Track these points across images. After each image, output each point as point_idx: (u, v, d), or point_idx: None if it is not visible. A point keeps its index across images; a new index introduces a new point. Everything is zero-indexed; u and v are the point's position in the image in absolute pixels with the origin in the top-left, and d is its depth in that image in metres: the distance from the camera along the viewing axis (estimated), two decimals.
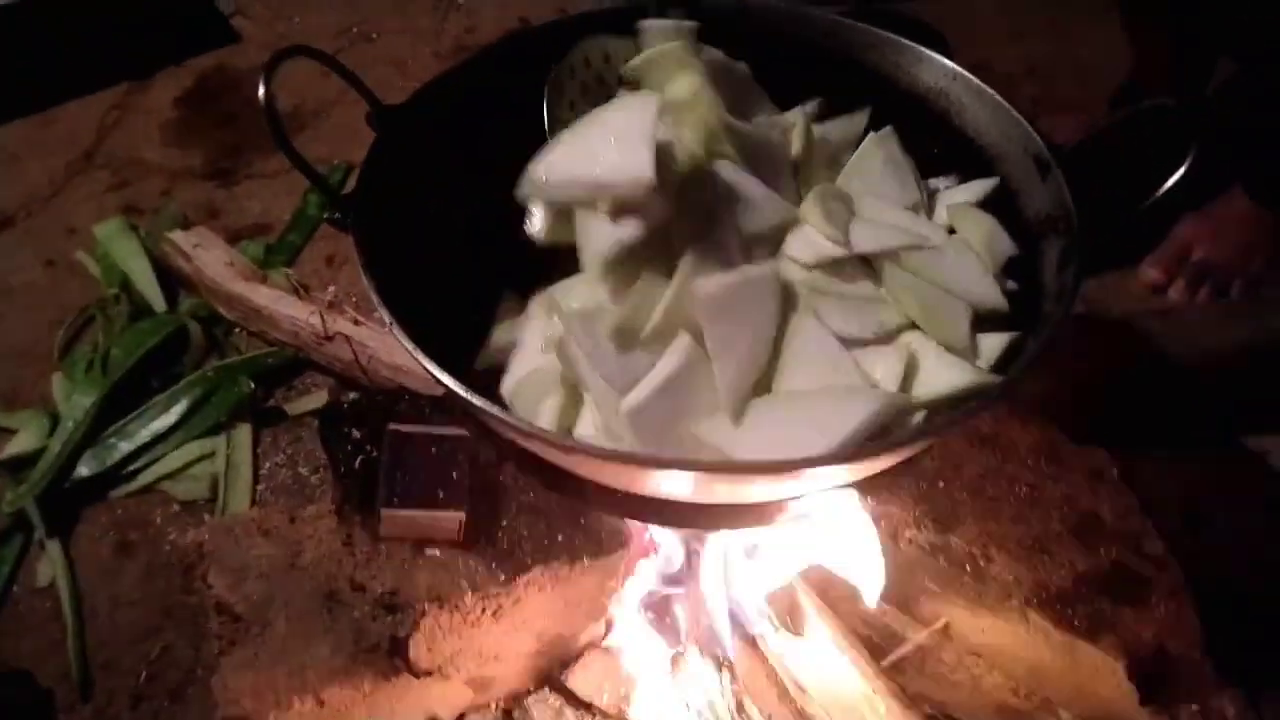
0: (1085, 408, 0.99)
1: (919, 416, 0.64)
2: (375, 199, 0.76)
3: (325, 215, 0.73)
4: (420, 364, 0.64)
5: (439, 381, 0.63)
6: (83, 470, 1.08)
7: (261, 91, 0.68)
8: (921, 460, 0.81)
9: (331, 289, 1.26)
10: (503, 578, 0.79)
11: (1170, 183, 0.70)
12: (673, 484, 0.66)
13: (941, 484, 0.87)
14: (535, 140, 0.85)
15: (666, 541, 0.85)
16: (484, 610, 0.78)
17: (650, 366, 0.66)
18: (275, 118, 0.68)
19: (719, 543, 0.84)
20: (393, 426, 0.82)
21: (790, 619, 0.88)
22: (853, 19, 0.90)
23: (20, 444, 1.10)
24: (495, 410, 0.62)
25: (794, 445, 0.62)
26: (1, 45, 1.48)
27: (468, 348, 0.77)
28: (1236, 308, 1.27)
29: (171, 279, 1.27)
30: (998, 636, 0.84)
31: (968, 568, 0.82)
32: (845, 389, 0.63)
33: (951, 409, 0.65)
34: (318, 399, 1.15)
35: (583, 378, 0.67)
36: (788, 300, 0.70)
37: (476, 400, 0.62)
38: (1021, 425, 0.90)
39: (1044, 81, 1.60)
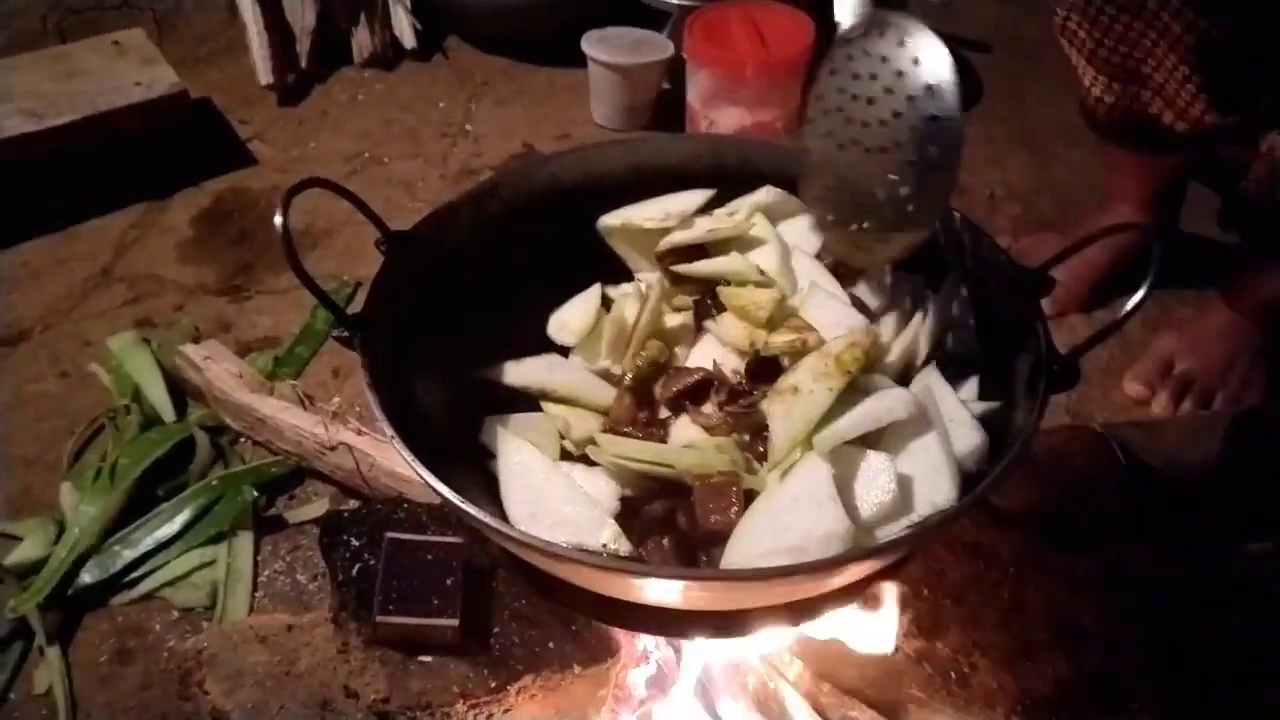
0: (1067, 516, 1.01)
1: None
2: (381, 318, 0.80)
3: (334, 333, 0.77)
4: (418, 474, 0.67)
5: (435, 491, 0.66)
6: (86, 578, 1.10)
7: (278, 220, 0.73)
8: (903, 569, 0.83)
9: (336, 400, 1.30)
10: (494, 685, 0.80)
11: (1139, 295, 0.73)
12: (659, 592, 0.68)
13: (925, 591, 0.88)
14: (533, 263, 0.91)
15: (657, 649, 0.87)
16: (475, 718, 0.79)
17: None
18: (290, 245, 0.73)
19: (708, 649, 0.85)
20: (390, 535, 0.84)
21: None
22: None
23: (26, 551, 1.12)
24: (488, 519, 0.65)
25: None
26: (28, 166, 1.55)
27: (466, 459, 0.80)
28: (1218, 419, 1.30)
29: (182, 390, 1.31)
30: None
31: (952, 675, 0.83)
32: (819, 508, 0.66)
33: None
34: (319, 507, 1.17)
35: None
36: None
37: (471, 509, 0.65)
38: (1003, 533, 0.93)
39: (1024, 202, 1.67)
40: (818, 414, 0.70)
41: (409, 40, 1.95)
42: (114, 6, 1.97)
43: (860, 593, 0.78)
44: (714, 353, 0.81)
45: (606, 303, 0.89)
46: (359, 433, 1.17)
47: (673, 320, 0.85)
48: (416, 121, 1.82)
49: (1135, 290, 0.72)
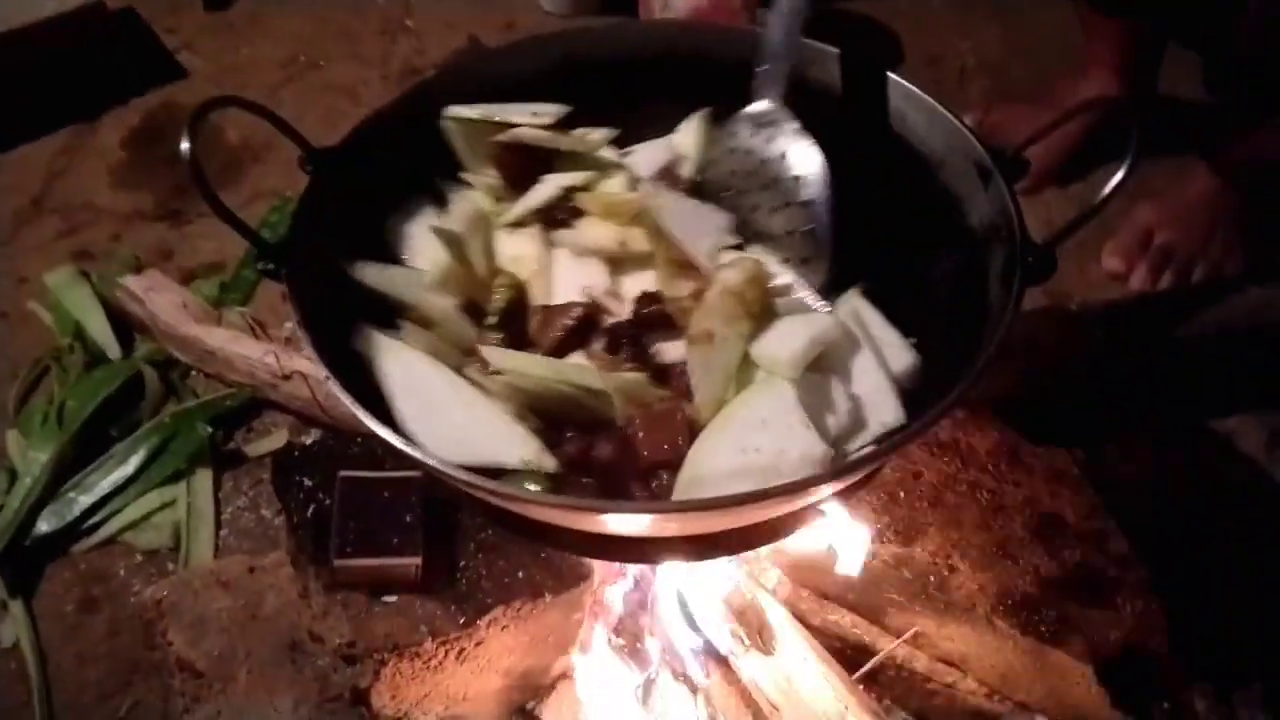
0: (1045, 404, 0.99)
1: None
2: (309, 246, 0.74)
3: (258, 266, 0.71)
4: (361, 419, 0.63)
5: (377, 437, 0.62)
6: (43, 526, 1.07)
7: (185, 146, 0.67)
8: (878, 474, 0.80)
9: (288, 325, 1.24)
10: (463, 620, 0.78)
11: (1118, 179, 0.69)
12: (623, 525, 0.65)
13: (902, 494, 0.86)
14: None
15: (631, 569, 0.85)
16: (446, 654, 0.78)
17: None
18: (200, 173, 0.66)
19: (682, 567, 0.83)
20: (343, 473, 0.81)
21: (760, 637, 0.87)
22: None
23: None
24: (441, 464, 0.61)
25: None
26: None
27: None
28: (1199, 291, 1.27)
29: (126, 324, 1.25)
30: (966, 644, 0.84)
31: (932, 579, 0.82)
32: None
33: None
34: (278, 439, 1.14)
35: None
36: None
37: (422, 455, 0.61)
38: (979, 429, 0.90)
39: (996, 72, 1.60)
40: (736, 360, 0.68)
41: None
42: None
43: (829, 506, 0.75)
44: (576, 275, 0.75)
45: None
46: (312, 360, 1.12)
47: (518, 246, 0.78)
48: (352, 19, 1.71)
49: (1112, 164, 0.68)
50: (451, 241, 0.76)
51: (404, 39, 1.67)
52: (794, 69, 0.87)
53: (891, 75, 0.85)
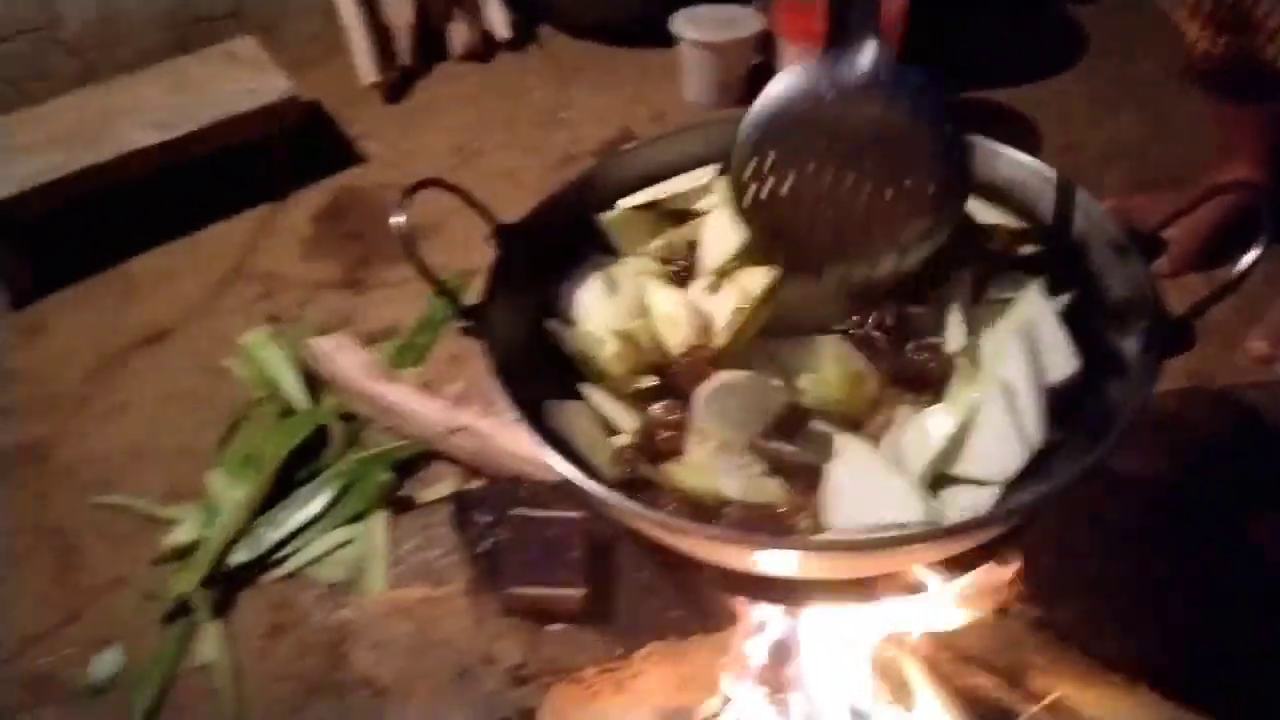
0: (1191, 480, 1.00)
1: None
2: (499, 307, 0.84)
3: (458, 325, 0.81)
4: (546, 458, 0.71)
5: (562, 473, 0.70)
6: (238, 557, 1.19)
7: (399, 219, 0.78)
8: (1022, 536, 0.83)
9: (460, 384, 1.35)
10: (620, 651, 0.85)
11: (1250, 259, 0.72)
12: (774, 562, 0.71)
13: (1045, 558, 0.89)
14: None
15: (777, 616, 0.89)
16: (605, 683, 0.84)
17: None
18: (412, 245, 0.77)
19: (827, 616, 0.87)
20: (515, 511, 0.89)
21: (900, 693, 0.90)
22: None
23: (182, 534, 1.21)
24: (613, 497, 0.68)
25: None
26: (159, 174, 1.64)
27: None
28: None
29: (313, 381, 1.39)
30: (1108, 710, 0.85)
31: (1074, 642, 0.84)
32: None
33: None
34: (446, 487, 1.23)
35: None
36: None
37: (599, 489, 0.69)
38: (1122, 501, 0.92)
39: (1137, 158, 1.62)
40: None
41: (503, 31, 2.00)
42: (222, 17, 2.06)
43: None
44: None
45: None
46: (481, 416, 1.22)
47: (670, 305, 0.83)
48: (513, 111, 1.87)
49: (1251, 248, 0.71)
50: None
51: (560, 130, 1.81)
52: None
53: (1029, 159, 0.91)
